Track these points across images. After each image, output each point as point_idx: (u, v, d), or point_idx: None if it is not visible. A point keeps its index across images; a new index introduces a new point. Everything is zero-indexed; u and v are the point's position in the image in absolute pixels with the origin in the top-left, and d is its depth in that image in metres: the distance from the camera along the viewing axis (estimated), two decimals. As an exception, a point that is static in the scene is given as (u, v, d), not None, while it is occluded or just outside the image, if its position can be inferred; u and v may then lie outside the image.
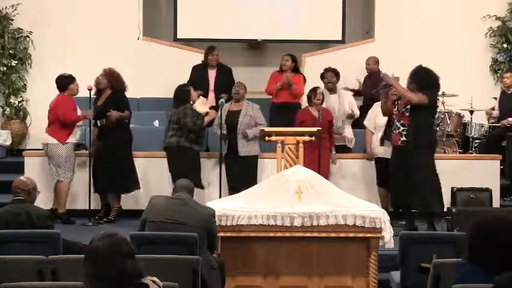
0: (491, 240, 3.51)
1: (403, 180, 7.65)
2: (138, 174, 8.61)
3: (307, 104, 8.84)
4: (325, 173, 8.29)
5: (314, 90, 8.72)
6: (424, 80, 7.65)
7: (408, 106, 7.69)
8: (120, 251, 3.12)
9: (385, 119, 8.51)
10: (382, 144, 8.38)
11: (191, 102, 8.47)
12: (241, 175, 8.32)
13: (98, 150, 8.53)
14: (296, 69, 9.77)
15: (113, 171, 8.43)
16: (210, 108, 8.88)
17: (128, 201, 8.73)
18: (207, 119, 8.48)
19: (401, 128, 7.74)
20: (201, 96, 9.14)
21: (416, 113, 7.64)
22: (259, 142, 8.57)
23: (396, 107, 7.88)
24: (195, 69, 9.91)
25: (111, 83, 8.58)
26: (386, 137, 8.27)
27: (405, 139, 7.69)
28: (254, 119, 8.58)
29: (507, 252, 3.47)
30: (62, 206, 8.44)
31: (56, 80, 8.57)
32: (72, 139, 8.46)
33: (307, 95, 8.81)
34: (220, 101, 8.65)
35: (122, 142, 8.53)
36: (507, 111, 9.83)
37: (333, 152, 8.76)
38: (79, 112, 8.48)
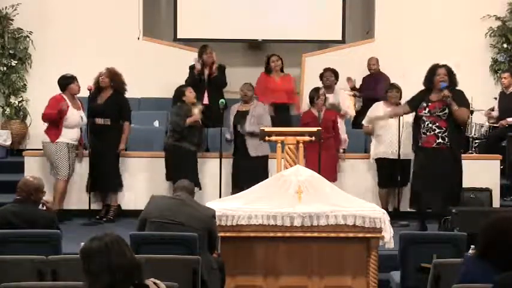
0: (502, 240, 3.59)
1: (432, 181, 7.69)
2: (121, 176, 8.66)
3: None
4: (332, 173, 8.28)
5: (316, 90, 8.66)
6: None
7: (446, 111, 7.71)
8: (119, 246, 3.20)
9: (387, 120, 8.50)
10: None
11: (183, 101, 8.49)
12: (251, 176, 8.09)
13: (93, 148, 8.53)
14: (281, 69, 9.97)
15: (107, 169, 8.46)
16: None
17: (127, 201, 8.73)
18: (189, 120, 8.43)
19: (438, 130, 7.73)
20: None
21: (455, 121, 7.76)
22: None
23: (427, 108, 7.82)
24: (192, 69, 9.90)
25: (113, 83, 8.60)
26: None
27: (442, 141, 7.71)
28: (258, 119, 8.50)
29: None
30: (56, 204, 8.43)
31: (58, 80, 8.62)
32: (66, 139, 8.42)
33: (309, 95, 8.78)
34: (220, 102, 8.63)
35: (118, 140, 8.54)
36: (506, 111, 9.82)
37: (341, 152, 8.80)
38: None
